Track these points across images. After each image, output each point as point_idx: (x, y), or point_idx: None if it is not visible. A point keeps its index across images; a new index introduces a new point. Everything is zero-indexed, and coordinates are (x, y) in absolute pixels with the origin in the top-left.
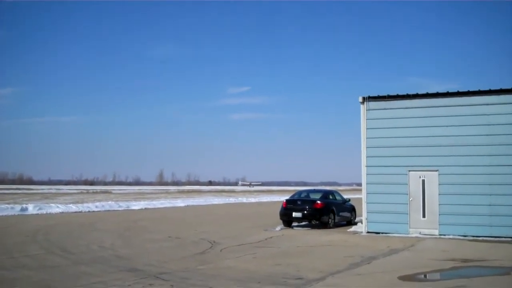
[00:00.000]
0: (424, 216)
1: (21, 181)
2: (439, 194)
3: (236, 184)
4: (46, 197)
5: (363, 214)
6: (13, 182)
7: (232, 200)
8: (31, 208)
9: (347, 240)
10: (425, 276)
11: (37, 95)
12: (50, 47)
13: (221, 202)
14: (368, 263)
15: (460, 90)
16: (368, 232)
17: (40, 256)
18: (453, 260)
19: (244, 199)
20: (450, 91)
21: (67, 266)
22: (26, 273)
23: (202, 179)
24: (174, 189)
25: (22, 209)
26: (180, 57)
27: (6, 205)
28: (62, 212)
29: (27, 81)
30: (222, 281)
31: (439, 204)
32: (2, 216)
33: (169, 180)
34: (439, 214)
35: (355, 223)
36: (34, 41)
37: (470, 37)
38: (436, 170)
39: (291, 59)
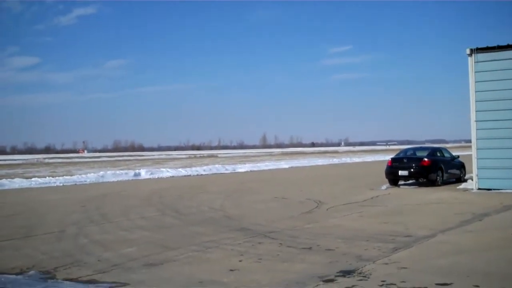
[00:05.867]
0: None
1: (133, 148)
2: None
3: (339, 144)
4: (157, 162)
5: (473, 170)
6: (125, 149)
7: (335, 160)
8: (144, 173)
9: (457, 197)
10: None
11: (143, 67)
12: (152, 16)
13: (325, 163)
14: (480, 220)
15: None
16: (479, 188)
17: (155, 217)
18: None
19: (347, 160)
20: None
21: (181, 227)
22: (143, 233)
23: (304, 141)
24: (278, 152)
25: (135, 174)
26: (280, 19)
27: (121, 171)
28: (172, 176)
29: (133, 53)
30: (329, 239)
31: None
32: (118, 181)
33: (272, 143)
34: None
35: (465, 180)
36: (139, 14)
37: None
38: None
39: (392, 15)
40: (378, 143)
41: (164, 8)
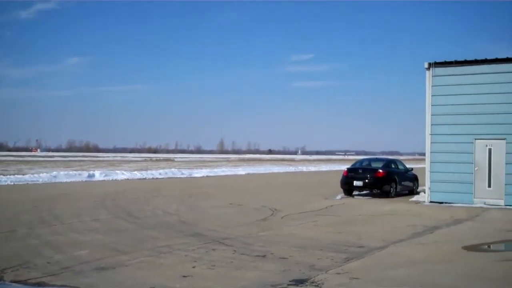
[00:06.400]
0: (489, 185)
1: (88, 148)
2: (506, 164)
3: (295, 153)
4: (112, 164)
5: (426, 183)
6: (80, 149)
7: (292, 168)
8: (98, 175)
9: (410, 209)
10: (489, 246)
11: (102, 65)
12: (115, 16)
13: (281, 171)
14: (431, 233)
15: None
16: (431, 201)
17: (108, 220)
18: None
19: (303, 168)
20: None
21: (134, 230)
22: (96, 236)
23: (262, 148)
24: (235, 158)
25: (89, 176)
26: (242, 24)
27: (74, 172)
28: (127, 179)
29: (93, 50)
30: (283, 247)
31: (506, 174)
32: (71, 182)
33: (230, 149)
34: (506, 184)
35: (418, 193)
36: (101, 11)
37: None
38: (504, 139)
39: (354, 26)
40: (337, 153)
41: (128, 6)
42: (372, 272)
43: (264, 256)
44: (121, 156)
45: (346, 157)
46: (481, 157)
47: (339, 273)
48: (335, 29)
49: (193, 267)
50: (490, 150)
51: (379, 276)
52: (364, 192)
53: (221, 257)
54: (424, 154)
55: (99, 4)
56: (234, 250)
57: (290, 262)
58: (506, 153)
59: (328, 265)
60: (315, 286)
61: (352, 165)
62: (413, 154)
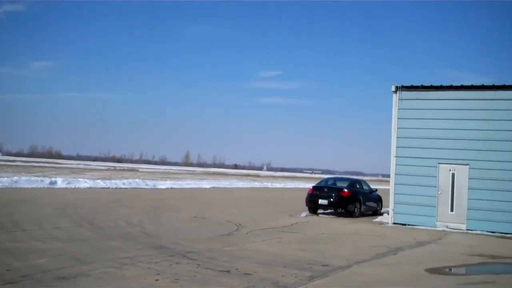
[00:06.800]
0: (452, 210)
1: (50, 155)
2: (468, 189)
3: (261, 168)
4: (75, 171)
5: (390, 205)
6: (42, 155)
7: (257, 184)
8: (60, 182)
9: (373, 230)
10: (451, 270)
11: (70, 71)
12: (85, 22)
13: (246, 186)
14: (394, 254)
15: (496, 84)
16: (394, 223)
17: (70, 229)
18: (480, 255)
19: (269, 184)
20: (485, 84)
21: (96, 240)
22: (57, 244)
23: (227, 162)
24: (200, 171)
25: (51, 183)
26: (213, 37)
27: (36, 178)
28: (90, 187)
29: (61, 55)
30: (247, 263)
31: (468, 199)
32: (33, 188)
33: (195, 161)
34: (468, 209)
35: (381, 214)
36: (70, 15)
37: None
38: (467, 164)
39: (325, 45)
40: (304, 171)
41: (97, 13)
42: None
43: (228, 271)
44: (84, 164)
45: (313, 175)
46: (444, 181)
47: None
48: (305, 47)
49: (156, 280)
50: (453, 174)
51: None
52: (329, 210)
53: (185, 270)
54: (387, 176)
55: (67, 7)
56: (198, 264)
57: (255, 278)
58: (469, 178)
59: (292, 282)
60: None
61: (318, 184)
62: (376, 175)
